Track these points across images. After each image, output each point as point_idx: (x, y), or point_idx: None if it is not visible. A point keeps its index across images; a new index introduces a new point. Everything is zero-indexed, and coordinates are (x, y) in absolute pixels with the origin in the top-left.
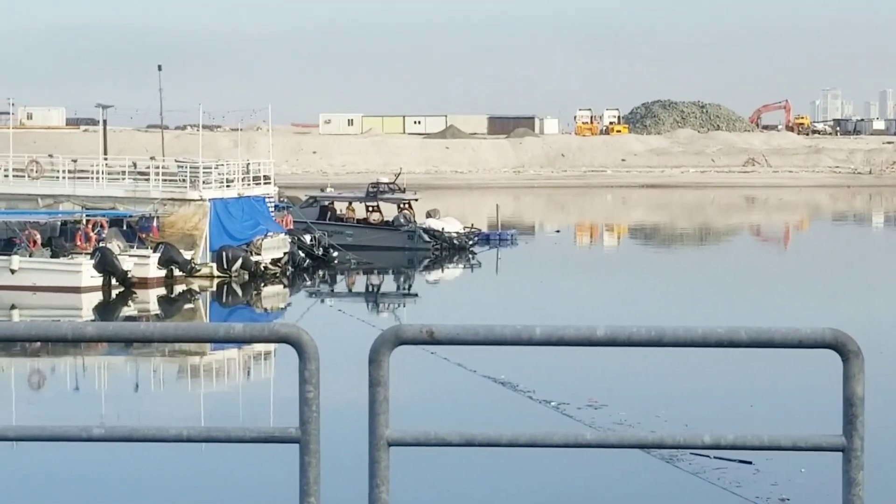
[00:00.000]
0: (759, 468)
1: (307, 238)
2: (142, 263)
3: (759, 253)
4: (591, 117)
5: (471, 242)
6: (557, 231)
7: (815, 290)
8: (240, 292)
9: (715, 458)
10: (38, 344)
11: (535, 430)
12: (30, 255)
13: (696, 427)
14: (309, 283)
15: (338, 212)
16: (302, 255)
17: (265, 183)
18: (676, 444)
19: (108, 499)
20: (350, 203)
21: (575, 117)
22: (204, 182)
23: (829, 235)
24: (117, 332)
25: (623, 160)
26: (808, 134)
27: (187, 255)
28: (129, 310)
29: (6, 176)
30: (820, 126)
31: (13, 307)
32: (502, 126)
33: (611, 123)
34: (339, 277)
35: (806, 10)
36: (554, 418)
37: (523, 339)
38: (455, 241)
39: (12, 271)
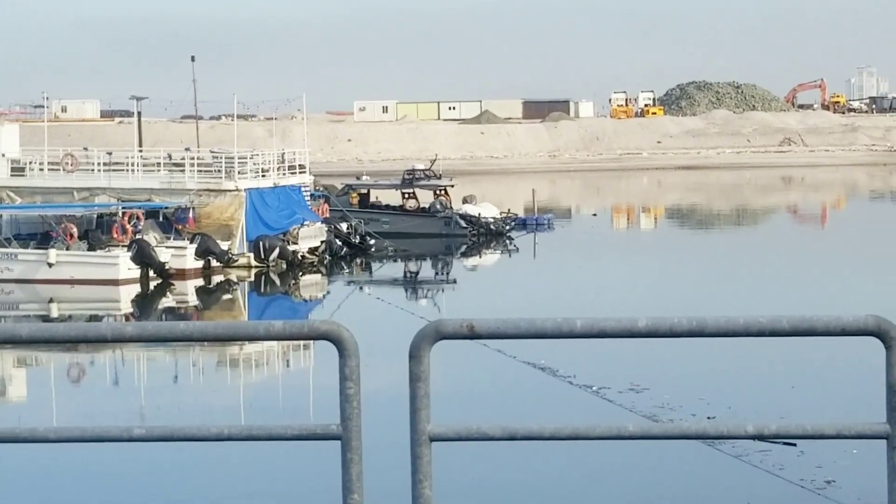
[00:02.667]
0: (803, 450)
1: (344, 226)
2: (179, 255)
3: (797, 233)
4: (626, 100)
5: (507, 228)
6: (594, 214)
7: (855, 271)
8: (277, 282)
9: (758, 440)
10: None
11: (577, 422)
12: (67, 249)
13: (739, 410)
14: (346, 271)
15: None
16: (339, 243)
17: (300, 172)
18: (720, 435)
19: (151, 497)
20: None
21: (610, 100)
22: (239, 172)
23: (867, 214)
24: (156, 333)
25: (658, 142)
26: (843, 112)
27: (224, 245)
28: (167, 301)
29: (42, 170)
30: (856, 104)
31: (51, 301)
32: (537, 110)
33: (646, 105)
34: (375, 265)
35: None
36: (595, 403)
37: (564, 332)
38: (492, 227)
39: (50, 265)
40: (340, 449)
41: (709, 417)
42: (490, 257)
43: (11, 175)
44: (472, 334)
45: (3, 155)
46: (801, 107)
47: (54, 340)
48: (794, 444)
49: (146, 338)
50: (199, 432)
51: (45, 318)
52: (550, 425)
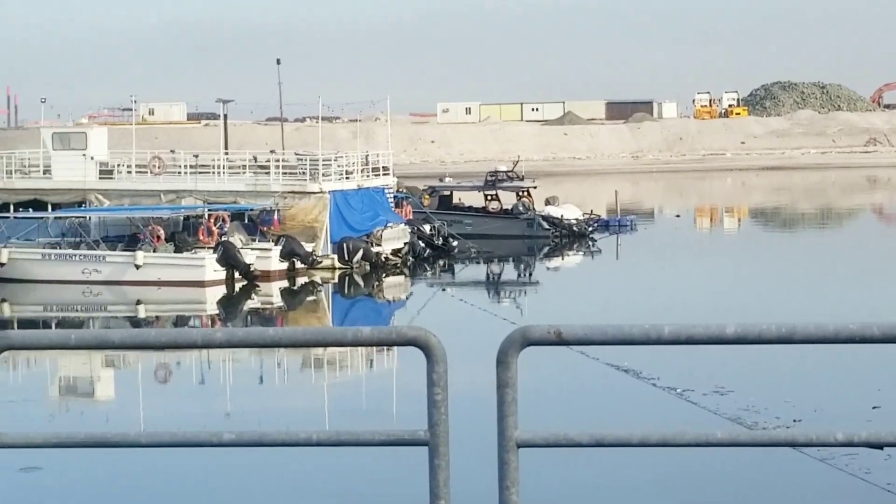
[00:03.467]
0: (891, 453)
1: (427, 228)
2: (264, 256)
3: (883, 235)
4: (710, 100)
5: (590, 229)
6: (677, 216)
7: None
8: (361, 283)
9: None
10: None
11: (665, 429)
12: (154, 251)
13: (824, 414)
14: (430, 272)
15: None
16: (422, 245)
17: (384, 174)
18: (809, 442)
19: (232, 501)
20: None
21: (693, 101)
22: (324, 174)
23: None
24: (246, 338)
25: (742, 143)
26: None
27: (308, 247)
28: (252, 303)
29: (129, 172)
30: None
31: (139, 302)
32: (620, 111)
33: (730, 106)
34: (458, 267)
35: None
36: (679, 406)
37: (652, 339)
38: (574, 228)
39: (137, 266)
40: (428, 455)
41: (795, 421)
42: (572, 259)
43: (100, 178)
44: (560, 340)
45: (92, 158)
46: (887, 107)
47: (146, 346)
48: (882, 448)
49: (235, 343)
50: (288, 438)
51: (133, 320)
52: (638, 432)
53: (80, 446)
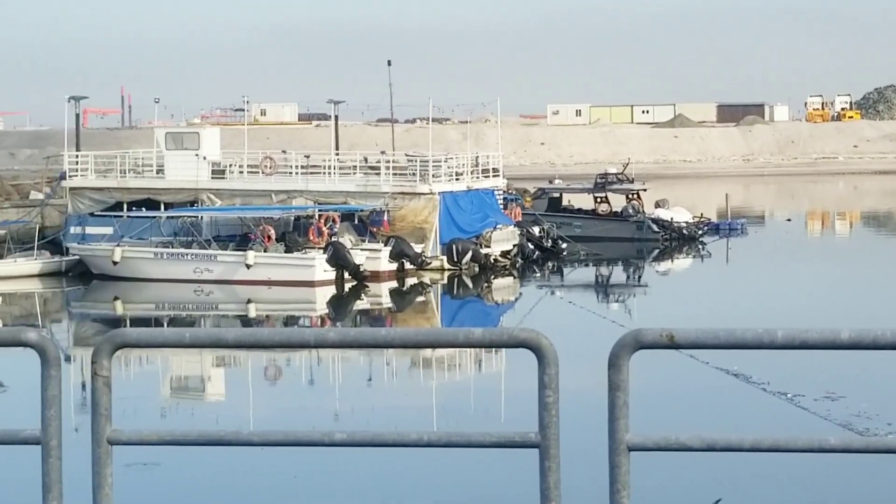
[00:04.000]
0: None
1: (536, 230)
2: (373, 257)
3: None
4: (823, 103)
5: (700, 232)
6: (788, 220)
7: None
8: (470, 285)
9: None
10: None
11: (777, 434)
12: (264, 251)
13: None
14: (538, 274)
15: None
16: (531, 246)
17: (494, 175)
18: None
19: (342, 501)
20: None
21: (805, 104)
22: (434, 175)
23: None
24: (358, 339)
25: (855, 146)
26: None
27: (418, 248)
28: (361, 303)
29: (241, 172)
30: None
31: (249, 301)
32: (731, 114)
33: (842, 109)
34: (567, 269)
35: None
36: (790, 411)
37: (765, 343)
38: (684, 231)
39: (248, 266)
40: (539, 457)
41: None
42: (682, 262)
43: (212, 177)
44: (672, 344)
45: (205, 157)
46: None
47: (260, 346)
48: None
49: (348, 343)
50: (400, 438)
51: (244, 319)
52: (750, 437)
53: (194, 444)
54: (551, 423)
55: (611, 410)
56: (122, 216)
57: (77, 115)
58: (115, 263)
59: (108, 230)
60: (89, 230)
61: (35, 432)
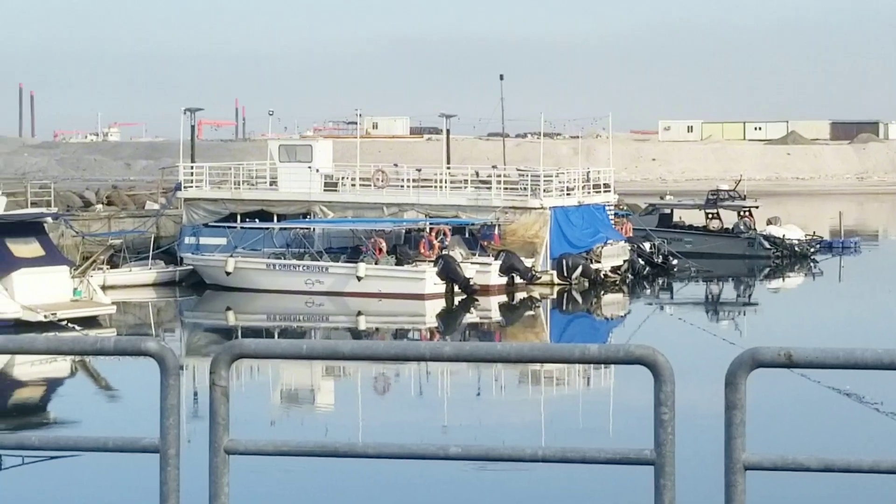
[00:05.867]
0: None
1: (646, 246)
2: (483, 271)
3: None
4: None
5: (812, 250)
6: None
7: None
8: (579, 300)
9: None
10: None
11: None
12: (375, 263)
13: None
14: (648, 290)
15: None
16: (641, 262)
17: (605, 191)
18: None
19: None
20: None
21: None
22: (545, 190)
23: None
24: (473, 353)
25: None
26: None
27: (528, 262)
28: (470, 317)
29: (353, 185)
30: None
31: (359, 314)
32: (845, 131)
33: None
34: (677, 285)
35: None
36: None
37: (885, 363)
38: (796, 249)
39: (359, 278)
40: (654, 474)
41: None
42: (793, 280)
43: (324, 190)
44: (790, 363)
45: (317, 170)
46: None
47: (375, 358)
48: None
49: (464, 357)
50: (514, 453)
51: (354, 331)
52: (868, 458)
53: (309, 455)
54: (667, 441)
55: (727, 429)
56: (235, 227)
57: (192, 127)
58: (227, 274)
59: (222, 241)
60: (203, 241)
61: (154, 441)
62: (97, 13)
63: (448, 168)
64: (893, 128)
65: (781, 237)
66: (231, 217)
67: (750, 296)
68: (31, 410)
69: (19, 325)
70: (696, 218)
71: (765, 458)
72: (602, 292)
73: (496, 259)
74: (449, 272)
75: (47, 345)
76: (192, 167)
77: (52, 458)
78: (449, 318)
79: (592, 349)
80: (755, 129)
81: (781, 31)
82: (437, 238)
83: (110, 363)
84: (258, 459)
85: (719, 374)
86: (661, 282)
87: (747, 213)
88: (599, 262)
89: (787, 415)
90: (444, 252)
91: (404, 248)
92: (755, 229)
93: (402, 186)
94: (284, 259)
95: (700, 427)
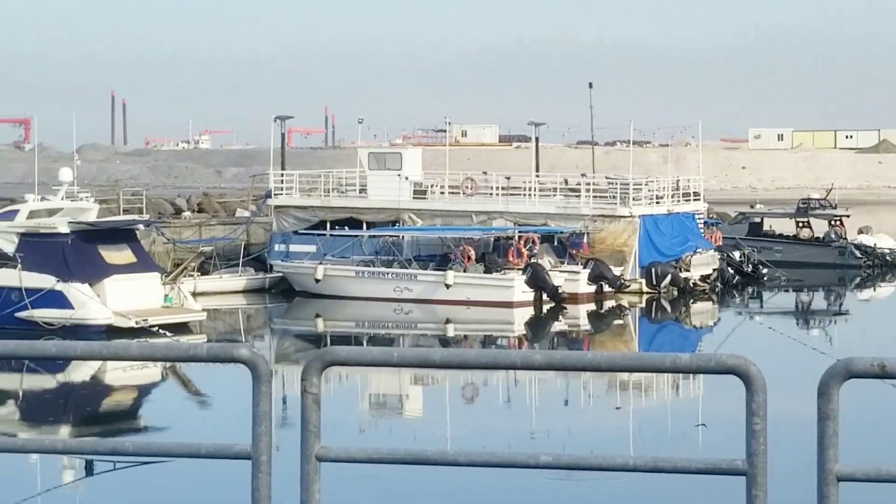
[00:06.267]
0: None
1: (736, 254)
2: (572, 279)
3: None
4: None
5: None
6: None
7: None
8: (668, 308)
9: None
10: None
11: None
12: (464, 271)
13: None
14: (738, 299)
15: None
16: (731, 271)
17: (694, 199)
18: None
19: None
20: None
21: None
22: (634, 198)
23: None
24: (564, 361)
25: None
26: None
27: (617, 271)
28: (558, 325)
29: (442, 193)
30: None
31: (448, 321)
32: None
33: None
34: (767, 294)
35: None
36: None
37: None
38: (888, 258)
39: (447, 286)
40: (745, 485)
41: None
42: (885, 290)
43: (414, 197)
44: (883, 374)
45: (407, 178)
46: None
47: (466, 366)
48: None
49: (555, 366)
50: (605, 462)
51: (442, 339)
52: None
53: (400, 463)
54: (759, 451)
55: (820, 439)
56: (324, 235)
57: (283, 135)
58: (317, 281)
59: (311, 248)
60: (293, 248)
61: (246, 447)
62: (189, 22)
63: (537, 176)
64: None
65: (873, 246)
66: (321, 224)
67: (840, 305)
68: (121, 416)
69: (111, 332)
70: (786, 227)
71: (858, 470)
72: (691, 301)
73: (585, 267)
74: (537, 280)
75: (141, 351)
76: (282, 175)
77: (143, 463)
78: (537, 326)
79: (684, 358)
80: (846, 137)
81: (872, 40)
82: (525, 246)
83: (199, 369)
84: (346, 465)
85: (809, 383)
86: (750, 291)
87: (838, 222)
88: (689, 270)
89: (880, 426)
90: (533, 260)
91: (493, 255)
92: (846, 238)
93: (491, 194)
94: (373, 266)
95: (791, 437)
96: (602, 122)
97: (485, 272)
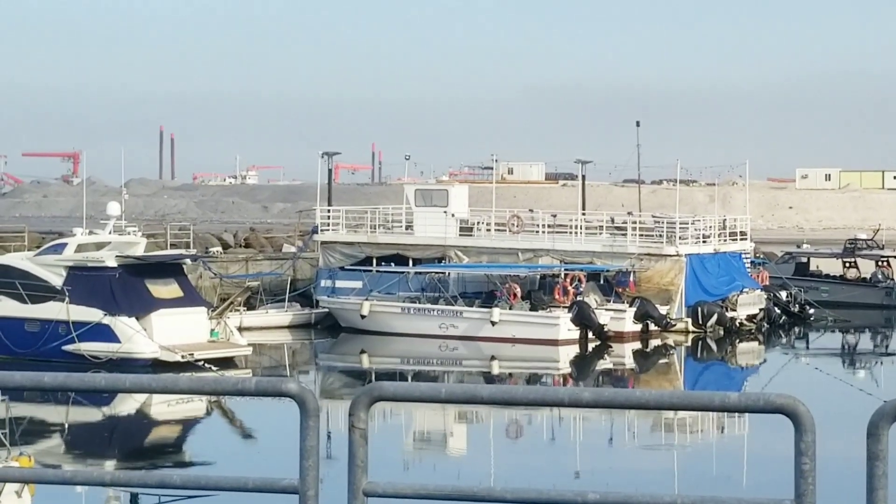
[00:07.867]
0: None
1: (783, 294)
2: (618, 317)
3: None
4: None
5: None
6: None
7: None
8: (714, 348)
9: None
10: None
11: None
12: (510, 308)
13: None
14: (784, 339)
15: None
16: (778, 311)
17: (741, 239)
18: None
19: None
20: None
21: None
22: (680, 237)
23: None
24: (612, 399)
25: None
26: None
27: (663, 309)
28: (604, 363)
29: (488, 230)
30: None
31: (493, 358)
32: None
33: None
34: (813, 335)
35: None
36: None
37: None
38: None
39: (493, 323)
40: None
41: None
42: None
43: (460, 234)
44: None
45: (453, 215)
46: None
47: (513, 403)
48: None
49: (602, 403)
50: (653, 500)
51: (487, 376)
52: None
53: (446, 499)
54: (808, 492)
55: (869, 480)
56: (371, 271)
57: (329, 171)
58: (363, 317)
59: (358, 284)
60: (339, 283)
61: (293, 482)
62: (237, 58)
63: (583, 214)
64: None
65: None
66: (367, 260)
67: (887, 346)
68: (167, 450)
69: (157, 366)
70: (833, 267)
71: None
72: (737, 341)
73: (631, 306)
74: (583, 318)
75: (189, 384)
76: (328, 210)
77: (189, 497)
78: (582, 364)
79: (732, 397)
80: (894, 177)
81: None
82: (571, 284)
83: (244, 404)
84: (392, 501)
85: (855, 424)
86: (797, 331)
87: (885, 263)
88: (735, 310)
89: None
90: (579, 298)
91: (539, 293)
92: (893, 279)
93: (537, 232)
94: (419, 303)
95: (839, 478)
96: (649, 161)
97: (530, 310)
